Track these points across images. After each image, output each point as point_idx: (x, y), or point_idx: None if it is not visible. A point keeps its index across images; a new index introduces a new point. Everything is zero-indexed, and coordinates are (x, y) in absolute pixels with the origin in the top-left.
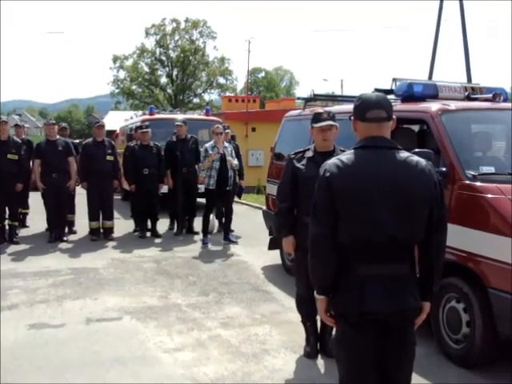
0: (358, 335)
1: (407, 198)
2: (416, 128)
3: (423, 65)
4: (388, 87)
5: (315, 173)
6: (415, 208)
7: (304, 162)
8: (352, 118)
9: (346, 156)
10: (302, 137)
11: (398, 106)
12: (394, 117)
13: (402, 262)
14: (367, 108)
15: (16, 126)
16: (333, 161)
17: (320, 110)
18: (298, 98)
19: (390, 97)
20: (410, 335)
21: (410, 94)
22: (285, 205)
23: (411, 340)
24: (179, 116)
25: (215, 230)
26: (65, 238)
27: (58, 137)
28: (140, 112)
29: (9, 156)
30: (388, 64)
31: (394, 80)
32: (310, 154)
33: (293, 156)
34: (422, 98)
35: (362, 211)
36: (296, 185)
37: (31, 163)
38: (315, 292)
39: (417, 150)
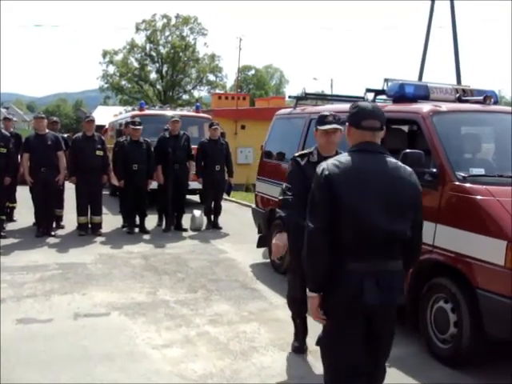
0: (354, 327)
1: (399, 198)
2: (406, 128)
3: (413, 65)
4: (379, 87)
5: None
6: (405, 208)
7: (306, 164)
8: (347, 123)
9: (343, 157)
10: (292, 135)
11: (390, 106)
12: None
13: (397, 258)
14: (363, 117)
15: (5, 119)
16: (331, 161)
17: (326, 112)
18: (290, 97)
19: (382, 97)
20: (392, 326)
21: (401, 94)
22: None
23: (392, 331)
24: (169, 112)
25: (203, 227)
26: (52, 233)
27: (47, 131)
28: (129, 107)
29: None
30: (378, 64)
31: (386, 80)
32: (314, 158)
33: (298, 157)
34: (413, 99)
35: (360, 209)
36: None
37: (19, 157)
38: (308, 290)
39: (408, 150)
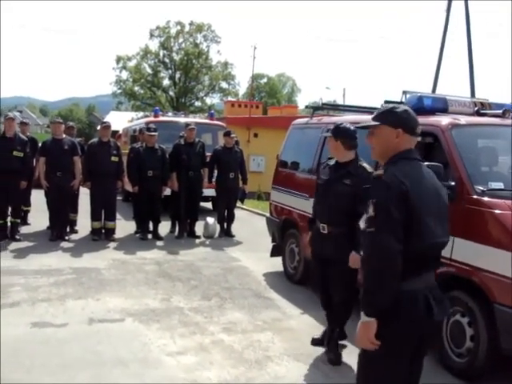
0: (410, 349)
1: (444, 208)
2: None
3: (427, 76)
4: (392, 97)
5: (326, 181)
6: (446, 217)
7: (324, 170)
8: (396, 128)
9: (404, 167)
10: (308, 145)
11: None
12: None
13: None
14: (416, 123)
15: (21, 123)
16: (397, 172)
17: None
18: (306, 107)
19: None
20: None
21: (419, 106)
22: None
23: None
24: (183, 119)
25: (216, 235)
26: (66, 237)
27: (64, 136)
28: (141, 113)
29: (14, 153)
30: (391, 74)
31: (404, 93)
32: (332, 162)
33: (321, 165)
34: (431, 112)
35: (428, 222)
36: None
37: (35, 161)
38: (364, 315)
39: (426, 163)
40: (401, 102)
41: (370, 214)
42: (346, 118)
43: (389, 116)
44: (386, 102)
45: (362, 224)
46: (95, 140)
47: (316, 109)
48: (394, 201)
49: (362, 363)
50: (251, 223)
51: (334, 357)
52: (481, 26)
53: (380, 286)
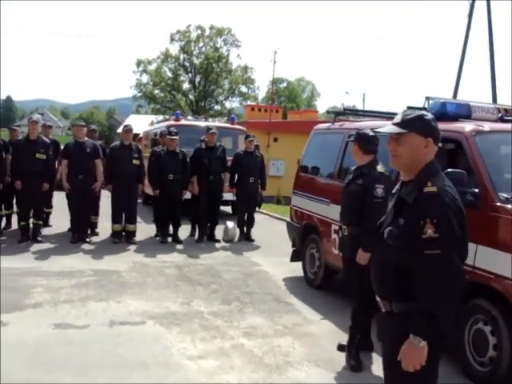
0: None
1: None
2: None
3: (448, 81)
4: (410, 102)
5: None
6: None
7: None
8: (426, 137)
9: (447, 182)
10: (330, 151)
11: None
12: None
13: None
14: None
15: (44, 125)
16: (450, 188)
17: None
18: (328, 112)
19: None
20: None
21: (442, 113)
22: None
23: None
24: (203, 123)
25: (236, 239)
26: (87, 239)
27: (86, 139)
28: (161, 116)
29: (37, 155)
30: (411, 79)
31: (427, 98)
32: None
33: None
34: (454, 118)
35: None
36: None
37: (57, 163)
38: (418, 338)
39: (449, 170)
40: (424, 108)
41: (429, 235)
42: (369, 124)
43: (418, 123)
44: (409, 107)
45: (391, 236)
46: (117, 143)
47: (338, 114)
48: (455, 219)
49: (397, 380)
50: (271, 227)
51: (355, 363)
52: (504, 29)
53: (448, 309)
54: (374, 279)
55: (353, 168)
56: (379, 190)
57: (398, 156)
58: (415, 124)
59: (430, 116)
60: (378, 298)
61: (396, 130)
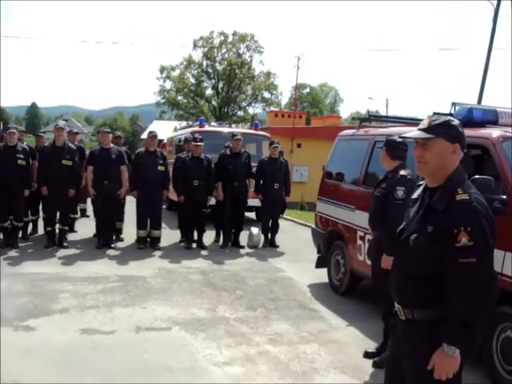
0: None
1: None
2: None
3: (472, 86)
4: (435, 108)
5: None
6: None
7: None
8: (454, 143)
9: (475, 189)
10: (355, 157)
11: None
12: None
13: None
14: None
15: (70, 132)
16: (480, 196)
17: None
18: (353, 118)
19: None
20: None
21: (469, 119)
22: None
23: None
24: (227, 129)
25: (260, 245)
26: (112, 245)
27: (111, 145)
28: (184, 122)
29: (63, 162)
30: (434, 84)
31: (454, 104)
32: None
33: None
34: (481, 124)
35: None
36: None
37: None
38: (453, 347)
39: (477, 176)
40: (450, 114)
41: (464, 244)
42: (394, 130)
43: (445, 129)
44: (435, 113)
45: (424, 243)
46: (142, 149)
47: (363, 120)
48: (488, 227)
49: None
50: (295, 233)
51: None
52: None
53: (483, 318)
54: (394, 286)
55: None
56: (400, 192)
57: (425, 162)
58: (442, 129)
59: (456, 122)
60: (397, 306)
61: (423, 135)
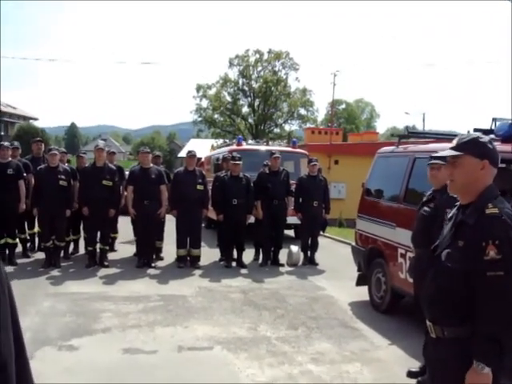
0: None
1: None
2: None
3: (507, 100)
4: (475, 123)
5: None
6: None
7: None
8: (482, 159)
9: (507, 205)
10: (395, 174)
11: (499, 146)
12: None
13: None
14: (499, 155)
15: (108, 152)
16: (510, 211)
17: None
18: (392, 135)
19: (490, 137)
20: None
21: (510, 134)
22: None
23: None
24: (265, 147)
25: (300, 263)
26: (153, 264)
27: (151, 165)
28: (221, 140)
29: (104, 182)
30: (474, 98)
31: (494, 120)
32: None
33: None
34: None
35: None
36: None
37: (122, 188)
38: (483, 365)
39: None
40: (491, 130)
41: (492, 257)
42: (433, 146)
43: (473, 146)
44: (476, 129)
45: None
46: (181, 169)
47: (402, 137)
48: None
49: None
50: (334, 251)
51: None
52: None
53: (511, 333)
54: (426, 303)
55: (428, 192)
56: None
57: (454, 180)
58: (469, 146)
59: (485, 138)
60: (428, 323)
61: (451, 153)
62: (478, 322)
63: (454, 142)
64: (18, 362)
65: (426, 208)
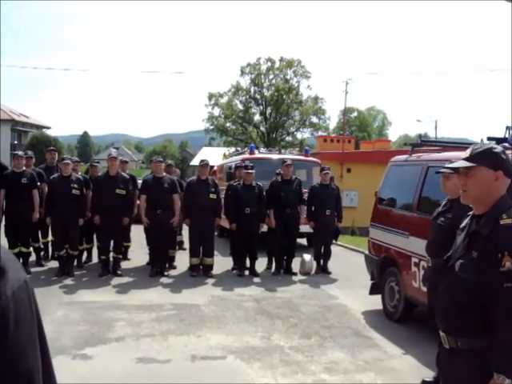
0: None
1: None
2: None
3: None
4: (486, 129)
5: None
6: None
7: None
8: (496, 170)
9: None
10: (408, 183)
11: None
12: None
13: None
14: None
15: (121, 161)
16: None
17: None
18: (405, 144)
19: (504, 145)
20: None
21: None
22: None
23: None
24: (277, 156)
25: (313, 272)
26: (165, 273)
27: (164, 174)
28: (233, 148)
29: (117, 191)
30: (483, 106)
31: (508, 128)
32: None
33: None
34: None
35: None
36: None
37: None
38: (503, 377)
39: None
40: (504, 138)
41: (508, 268)
42: (447, 155)
43: (487, 157)
44: (489, 138)
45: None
46: (194, 178)
47: (415, 146)
48: None
49: None
50: (347, 259)
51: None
52: None
53: None
54: (439, 313)
55: (443, 201)
56: None
57: (468, 190)
58: (483, 157)
59: (499, 149)
60: (441, 333)
61: (464, 164)
62: (496, 333)
63: (468, 153)
64: (44, 380)
65: (442, 218)
